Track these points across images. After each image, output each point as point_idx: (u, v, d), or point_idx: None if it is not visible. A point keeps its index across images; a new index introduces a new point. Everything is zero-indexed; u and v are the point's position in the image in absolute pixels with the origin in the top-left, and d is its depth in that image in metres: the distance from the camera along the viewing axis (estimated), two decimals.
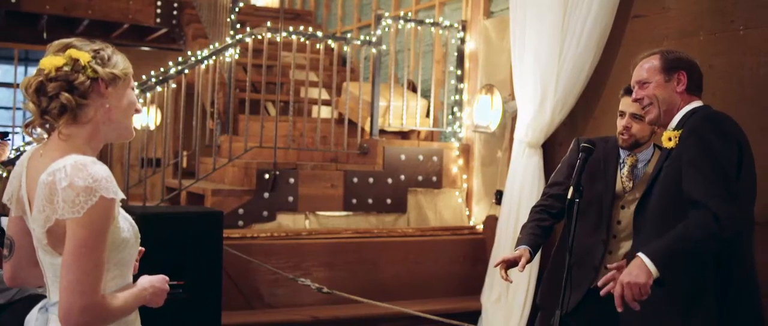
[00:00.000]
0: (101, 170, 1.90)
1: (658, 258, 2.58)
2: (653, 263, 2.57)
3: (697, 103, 2.84)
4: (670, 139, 2.77)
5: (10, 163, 4.97)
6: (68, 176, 1.87)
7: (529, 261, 3.28)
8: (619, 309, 2.62)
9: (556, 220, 3.48)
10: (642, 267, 2.58)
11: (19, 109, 12.44)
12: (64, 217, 1.87)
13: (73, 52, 1.98)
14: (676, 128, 2.78)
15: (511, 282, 3.33)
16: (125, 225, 2.05)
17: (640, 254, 2.60)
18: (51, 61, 1.97)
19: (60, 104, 1.96)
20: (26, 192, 2.03)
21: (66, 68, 1.97)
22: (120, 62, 2.06)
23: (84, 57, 1.98)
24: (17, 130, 12.29)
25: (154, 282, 2.16)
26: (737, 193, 2.61)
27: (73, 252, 1.87)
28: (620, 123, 3.35)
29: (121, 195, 1.95)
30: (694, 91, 2.86)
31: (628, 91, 3.31)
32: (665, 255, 2.59)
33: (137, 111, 2.13)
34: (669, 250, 2.60)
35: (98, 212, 1.87)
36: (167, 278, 2.21)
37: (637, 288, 2.56)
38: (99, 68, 1.99)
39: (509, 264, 3.26)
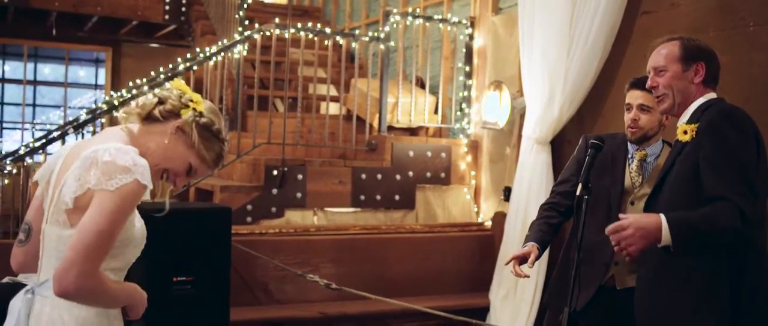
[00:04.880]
0: (143, 160, 2.01)
1: (677, 230, 2.55)
2: (670, 232, 2.54)
3: (711, 96, 2.78)
4: (685, 132, 2.70)
5: (19, 160, 4.99)
6: (112, 154, 1.98)
7: (537, 258, 3.28)
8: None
9: (565, 218, 3.47)
10: (656, 231, 2.55)
11: (28, 105, 12.49)
12: (97, 188, 1.95)
13: (195, 96, 2.20)
14: (690, 121, 2.73)
15: (528, 276, 3.31)
16: (139, 223, 2.13)
17: (662, 217, 2.56)
18: (178, 83, 2.22)
19: (145, 102, 2.15)
20: (58, 171, 2.11)
21: (176, 91, 2.18)
22: (210, 144, 2.19)
23: (196, 103, 2.17)
24: (26, 126, 12.34)
25: (144, 294, 2.21)
26: (758, 190, 2.58)
27: (92, 218, 1.93)
28: (628, 116, 3.33)
29: (151, 186, 2.03)
30: (711, 82, 2.79)
31: (634, 85, 3.30)
32: (685, 230, 2.56)
33: (172, 181, 2.23)
34: (690, 227, 2.57)
35: (129, 192, 1.96)
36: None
37: (634, 247, 2.57)
38: (186, 114, 2.15)
39: (520, 260, 3.26)
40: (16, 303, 2.10)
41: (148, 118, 2.15)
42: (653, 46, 2.87)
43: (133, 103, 2.18)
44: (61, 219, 2.02)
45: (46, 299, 2.02)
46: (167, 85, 2.22)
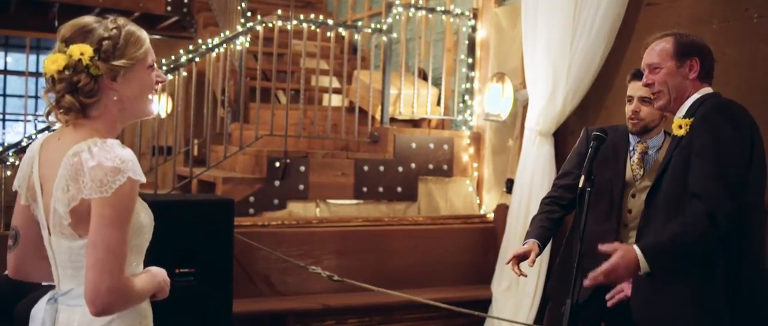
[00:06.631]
0: (128, 152, 1.92)
1: (652, 255, 2.59)
2: (646, 259, 2.59)
3: (707, 90, 2.79)
4: (680, 127, 2.72)
5: (22, 151, 4.99)
6: (95, 156, 1.88)
7: (538, 255, 3.27)
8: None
9: (566, 212, 3.46)
10: (634, 263, 2.60)
11: (31, 97, 12.48)
12: (92, 197, 1.87)
13: (74, 51, 1.95)
14: (686, 116, 2.74)
15: (526, 276, 3.31)
16: (143, 210, 2.06)
17: (635, 248, 2.61)
18: (53, 64, 1.95)
19: (66, 105, 1.96)
20: (38, 177, 2.02)
21: (67, 72, 1.95)
22: (131, 46, 2.03)
23: (86, 53, 1.95)
24: (29, 118, 12.33)
25: (164, 273, 2.18)
26: (743, 186, 2.57)
27: (100, 232, 1.87)
28: (629, 108, 3.33)
29: (144, 179, 1.96)
30: (705, 77, 2.80)
31: (635, 76, 3.29)
32: (659, 254, 2.61)
33: (159, 81, 2.13)
34: (663, 249, 2.61)
35: (125, 193, 1.88)
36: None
37: (617, 276, 2.65)
38: (101, 64, 1.97)
39: (520, 258, 3.26)
40: (39, 313, 2.06)
41: (85, 109, 1.99)
42: (647, 43, 2.87)
43: (59, 118, 1.99)
44: (66, 232, 1.96)
45: (73, 308, 1.98)
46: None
